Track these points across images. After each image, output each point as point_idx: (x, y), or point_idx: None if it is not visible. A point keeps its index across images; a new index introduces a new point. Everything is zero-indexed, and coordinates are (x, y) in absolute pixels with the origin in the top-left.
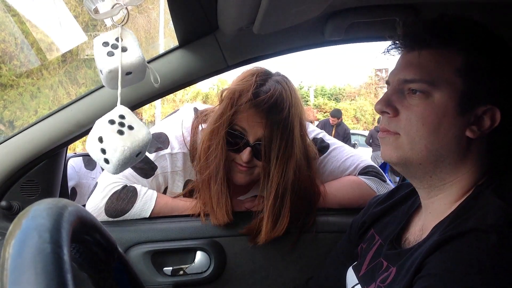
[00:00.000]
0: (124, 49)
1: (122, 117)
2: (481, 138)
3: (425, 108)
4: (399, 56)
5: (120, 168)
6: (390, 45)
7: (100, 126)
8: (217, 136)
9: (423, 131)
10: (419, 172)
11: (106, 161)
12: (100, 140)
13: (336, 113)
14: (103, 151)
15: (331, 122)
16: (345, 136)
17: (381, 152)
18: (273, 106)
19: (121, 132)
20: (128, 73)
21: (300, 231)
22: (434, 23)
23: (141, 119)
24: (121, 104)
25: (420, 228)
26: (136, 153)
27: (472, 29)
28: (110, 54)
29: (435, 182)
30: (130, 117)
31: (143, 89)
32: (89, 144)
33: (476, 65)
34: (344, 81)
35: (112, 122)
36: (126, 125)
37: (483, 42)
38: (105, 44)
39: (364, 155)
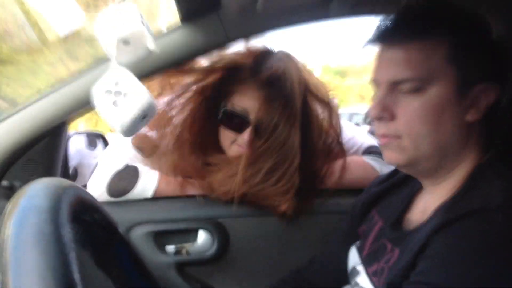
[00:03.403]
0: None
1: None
2: (480, 119)
3: (422, 106)
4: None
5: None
6: (367, 41)
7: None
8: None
9: (425, 129)
10: (426, 168)
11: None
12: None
13: None
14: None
15: None
16: None
17: (385, 157)
18: (275, 85)
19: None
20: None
21: (301, 211)
22: (409, 14)
23: None
24: None
25: (423, 209)
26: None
27: (450, 10)
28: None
29: (441, 173)
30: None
31: (144, 66)
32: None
33: (463, 45)
34: (349, 59)
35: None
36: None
37: (464, 21)
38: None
39: (366, 135)
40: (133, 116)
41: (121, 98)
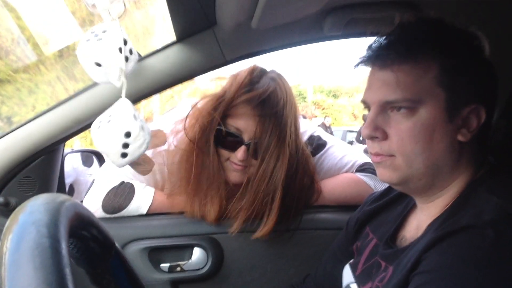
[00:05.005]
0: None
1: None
2: (472, 139)
3: (414, 126)
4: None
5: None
6: (359, 62)
7: (127, 121)
8: (208, 132)
9: (418, 148)
10: (419, 186)
11: (124, 155)
12: (127, 135)
13: None
14: (126, 145)
15: None
16: None
17: (379, 175)
18: (267, 103)
19: (143, 128)
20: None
21: (296, 228)
22: (401, 36)
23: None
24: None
25: (416, 227)
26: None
27: (440, 32)
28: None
29: (434, 191)
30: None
31: (141, 84)
32: (110, 137)
33: (452, 68)
34: (342, 78)
35: (135, 117)
36: (143, 120)
37: (453, 43)
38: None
39: (360, 152)
40: (110, 142)
41: (105, 124)
